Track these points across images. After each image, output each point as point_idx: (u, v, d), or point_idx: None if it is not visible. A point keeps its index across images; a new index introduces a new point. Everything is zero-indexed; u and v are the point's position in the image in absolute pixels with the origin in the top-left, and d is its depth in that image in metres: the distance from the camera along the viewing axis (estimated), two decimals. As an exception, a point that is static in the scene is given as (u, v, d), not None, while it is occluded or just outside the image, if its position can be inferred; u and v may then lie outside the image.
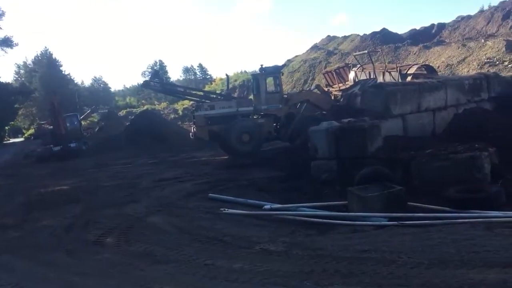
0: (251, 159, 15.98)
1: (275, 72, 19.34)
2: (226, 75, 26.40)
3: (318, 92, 21.56)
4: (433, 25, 45.37)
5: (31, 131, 51.30)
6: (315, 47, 54.22)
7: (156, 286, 5.30)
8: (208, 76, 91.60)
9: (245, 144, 17.79)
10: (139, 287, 5.37)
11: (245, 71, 68.52)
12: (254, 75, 20.15)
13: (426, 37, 42.09)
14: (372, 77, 21.28)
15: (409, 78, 19.22)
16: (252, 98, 19.62)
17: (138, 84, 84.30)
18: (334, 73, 25.89)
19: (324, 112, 17.58)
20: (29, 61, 71.94)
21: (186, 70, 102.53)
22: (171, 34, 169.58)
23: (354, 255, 5.64)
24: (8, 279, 6.14)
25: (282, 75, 20.68)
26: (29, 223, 9.65)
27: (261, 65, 19.10)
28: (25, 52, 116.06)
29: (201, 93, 22.52)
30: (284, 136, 18.52)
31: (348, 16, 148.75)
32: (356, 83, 21.53)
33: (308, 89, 30.64)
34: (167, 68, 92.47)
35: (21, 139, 51.34)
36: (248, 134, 17.87)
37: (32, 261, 7.01)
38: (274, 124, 18.98)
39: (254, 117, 19.00)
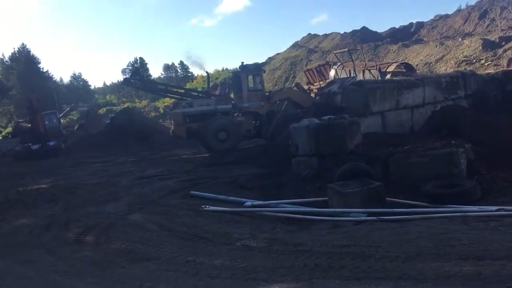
0: (233, 156, 16.01)
1: (256, 69, 19.37)
2: (207, 72, 26.39)
3: (297, 90, 21.71)
4: (411, 24, 46.00)
5: (9, 129, 50.25)
6: (296, 45, 54.52)
7: (137, 283, 5.30)
8: (190, 74, 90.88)
9: (222, 141, 17.85)
10: (120, 284, 5.37)
11: (227, 69, 68.55)
12: (235, 73, 20.15)
13: (405, 35, 42.65)
14: (352, 75, 21.51)
15: (388, 76, 19.49)
16: (233, 96, 19.62)
17: (118, 81, 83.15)
18: (315, 71, 26.09)
19: (305, 110, 17.70)
20: (6, 58, 70.47)
21: (167, 68, 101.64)
22: (151, 31, 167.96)
23: (334, 250, 5.73)
24: (-14, 279, 6.07)
25: (264, 72, 20.74)
26: (7, 222, 9.53)
27: (242, 63, 19.15)
28: (2, 49, 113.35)
29: (183, 91, 22.45)
30: (265, 134, 18.57)
31: (329, 15, 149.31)
32: (332, 81, 21.84)
33: (288, 87, 30.83)
34: (148, 66, 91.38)
35: (-2, 138, 50.34)
36: (225, 131, 17.93)
37: (11, 260, 6.92)
38: (254, 122, 19.01)
39: (235, 114, 19.01)
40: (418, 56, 34.02)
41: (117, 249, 6.88)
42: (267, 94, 19.78)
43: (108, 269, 5.98)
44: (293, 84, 27.34)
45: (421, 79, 13.80)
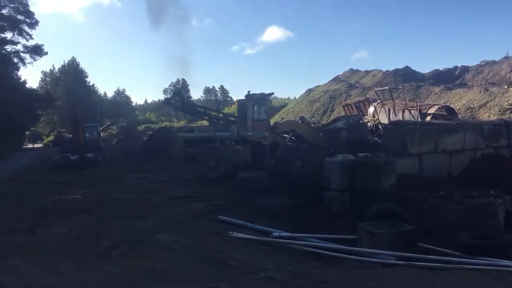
0: (264, 184, 15.94)
1: (262, 99, 19.29)
2: (217, 99, 26.63)
3: (302, 123, 21.69)
4: (456, 67, 45.30)
5: (51, 138, 52.10)
6: (336, 79, 54.57)
7: (159, 304, 5.33)
8: (229, 98, 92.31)
9: (212, 169, 17.83)
10: (142, 302, 5.41)
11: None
12: (240, 101, 20.15)
13: (449, 78, 41.99)
14: (391, 113, 21.28)
15: (428, 118, 19.17)
16: (237, 124, 19.56)
17: (159, 100, 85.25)
18: (354, 106, 26.00)
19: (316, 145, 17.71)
20: (56, 70, 73.47)
21: (208, 91, 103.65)
22: (195, 55, 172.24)
23: (359, 292, 5.60)
24: (14, 284, 6.23)
25: (270, 103, 20.64)
26: (40, 229, 9.75)
27: (248, 91, 19.20)
28: (53, 60, 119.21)
29: (220, 115, 22.72)
30: (267, 165, 18.37)
31: (369, 53, 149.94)
32: (337, 118, 21.88)
33: (293, 119, 30.75)
34: (189, 87, 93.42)
35: (40, 145, 52.15)
36: (215, 159, 17.87)
37: (39, 268, 7.08)
38: (253, 152, 18.74)
39: (233, 143, 18.98)
40: (461, 100, 33.36)
41: (143, 267, 6.94)
42: (272, 125, 19.66)
43: (133, 285, 6.03)
44: (299, 118, 27.24)
45: (462, 124, 13.55)
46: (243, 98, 19.48)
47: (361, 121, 20.55)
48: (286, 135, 19.66)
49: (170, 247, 8.16)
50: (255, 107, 18.93)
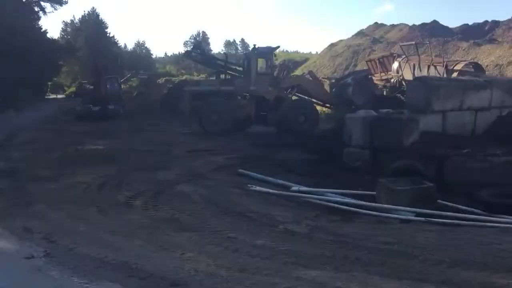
0: (284, 139, 15.93)
1: (267, 53, 18.98)
2: (225, 53, 26.22)
3: (310, 78, 21.30)
4: (486, 21, 43.46)
5: (73, 89, 52.47)
6: (360, 33, 53.02)
7: (179, 252, 5.47)
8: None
9: (214, 123, 17.73)
10: (163, 250, 5.57)
11: (287, 51, 68.02)
12: (246, 54, 19.91)
13: (478, 33, 40.42)
14: (416, 69, 20.75)
15: (454, 74, 18.66)
16: (243, 78, 19.30)
17: (179, 53, 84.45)
18: (377, 61, 25.35)
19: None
20: (77, 20, 72.92)
21: (228, 44, 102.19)
22: (216, 6, 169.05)
23: (377, 246, 5.64)
24: (40, 228, 6.47)
25: (275, 56, 20.23)
26: (64, 178, 10.02)
27: (254, 45, 18.95)
28: (73, 10, 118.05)
29: (241, 69, 22.43)
30: (272, 120, 18.22)
31: (395, 6, 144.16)
32: (348, 74, 21.54)
33: (301, 74, 30.19)
34: (210, 40, 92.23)
35: (62, 96, 52.70)
36: (217, 114, 17.75)
37: (64, 214, 7.33)
38: (256, 107, 18.64)
39: (239, 97, 18.92)
40: (489, 57, 32.21)
41: (163, 216, 7.12)
42: (277, 79, 19.30)
43: (153, 234, 6.20)
44: (306, 72, 26.68)
45: (490, 81, 13.15)
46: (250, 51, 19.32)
47: (368, 77, 20.25)
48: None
49: (190, 198, 8.32)
50: (260, 61, 18.63)
